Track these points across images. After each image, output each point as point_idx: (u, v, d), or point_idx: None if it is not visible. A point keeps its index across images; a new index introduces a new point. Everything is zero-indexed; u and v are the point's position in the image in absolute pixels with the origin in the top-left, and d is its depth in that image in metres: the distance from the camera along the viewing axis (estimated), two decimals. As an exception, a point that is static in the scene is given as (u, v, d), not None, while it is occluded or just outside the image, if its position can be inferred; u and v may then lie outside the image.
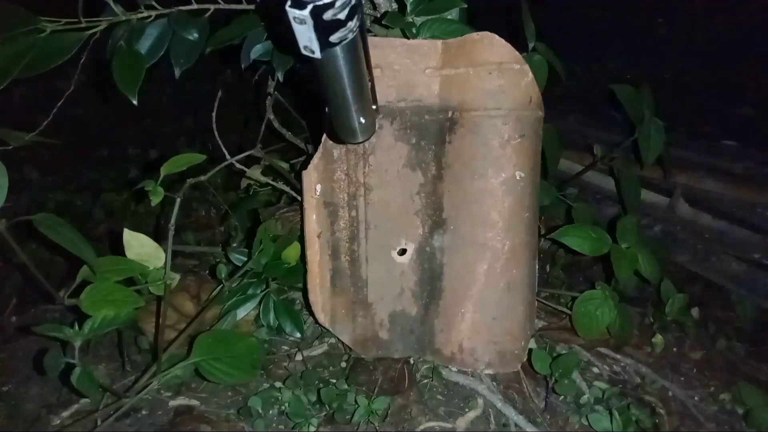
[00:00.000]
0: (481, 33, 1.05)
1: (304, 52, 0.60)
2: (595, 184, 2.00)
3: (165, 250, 1.08)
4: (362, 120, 0.81)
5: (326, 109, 0.86)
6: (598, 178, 1.97)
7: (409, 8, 1.11)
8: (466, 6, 1.13)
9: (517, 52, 1.06)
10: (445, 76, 1.08)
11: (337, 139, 1.07)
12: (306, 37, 0.57)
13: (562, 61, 1.35)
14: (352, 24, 0.58)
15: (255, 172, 1.56)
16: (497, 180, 1.09)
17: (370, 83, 0.78)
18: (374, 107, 0.85)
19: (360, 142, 0.96)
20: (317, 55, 0.60)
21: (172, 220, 1.06)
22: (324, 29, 0.57)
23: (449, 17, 1.13)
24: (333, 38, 0.58)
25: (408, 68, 1.07)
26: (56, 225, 0.89)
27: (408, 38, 1.10)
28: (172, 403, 1.15)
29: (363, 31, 0.66)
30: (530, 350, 1.18)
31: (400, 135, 1.11)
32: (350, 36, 0.59)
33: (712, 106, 2.77)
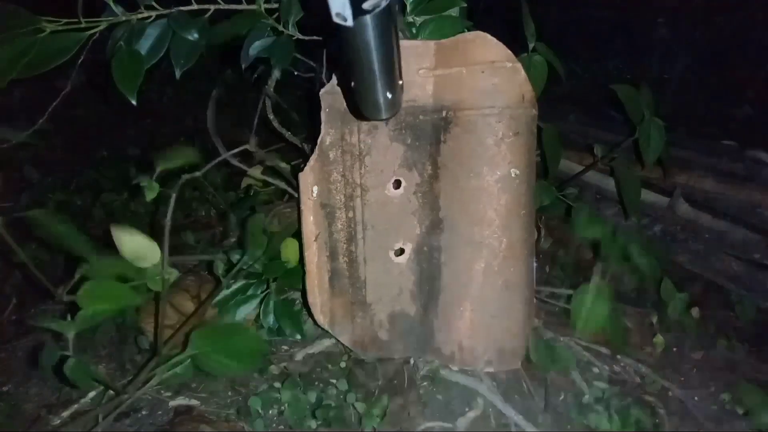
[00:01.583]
0: (473, 32, 1.06)
1: (335, 19, 0.61)
2: (595, 184, 2.00)
3: (162, 247, 1.08)
4: (388, 95, 0.81)
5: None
6: (598, 178, 1.97)
7: (409, 8, 1.11)
8: (465, 5, 1.13)
9: (509, 51, 1.06)
10: (439, 76, 1.08)
11: (361, 116, 1.06)
12: (339, 3, 0.58)
13: (562, 61, 1.35)
14: None
15: (255, 172, 1.56)
16: (493, 178, 1.09)
17: (397, 59, 0.78)
18: (400, 83, 0.84)
19: (384, 119, 0.95)
20: (349, 22, 0.60)
21: (168, 215, 1.06)
22: None
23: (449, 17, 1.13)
24: (366, 5, 0.59)
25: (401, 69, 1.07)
26: (50, 221, 0.89)
27: (407, 38, 1.10)
28: (172, 403, 1.15)
29: (394, 3, 0.67)
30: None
31: (396, 135, 1.11)
32: (383, 3, 0.60)
33: (712, 106, 2.77)
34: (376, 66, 0.72)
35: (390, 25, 0.67)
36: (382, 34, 0.66)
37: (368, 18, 0.61)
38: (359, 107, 0.86)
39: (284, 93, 1.55)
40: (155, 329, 1.24)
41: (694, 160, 2.08)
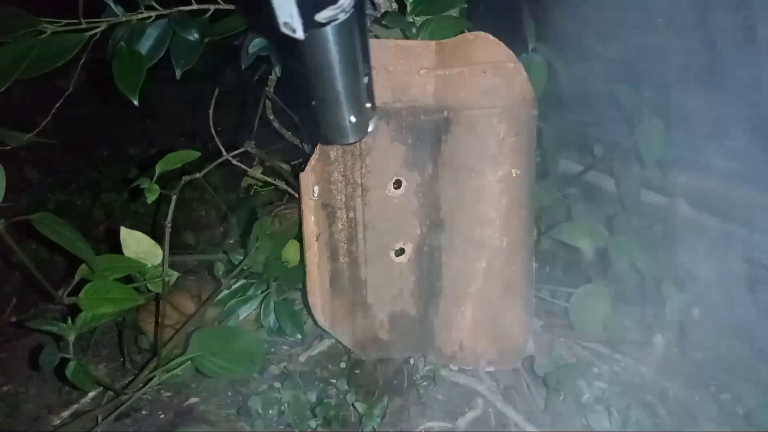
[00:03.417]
0: (474, 33, 1.06)
1: (283, 29, 0.50)
2: (595, 184, 2.00)
3: (162, 249, 1.08)
4: (352, 119, 0.69)
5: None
6: (598, 178, 1.97)
7: (409, 8, 1.11)
8: (466, 6, 1.13)
9: (510, 51, 1.06)
10: (440, 76, 1.08)
11: (324, 140, 1.00)
12: (286, 12, 0.48)
13: (562, 61, 1.35)
14: (346, 3, 0.49)
15: (255, 172, 1.56)
16: (494, 178, 1.10)
17: (367, 77, 0.67)
18: (369, 105, 0.73)
19: (350, 143, 0.84)
20: (299, 35, 0.50)
21: (169, 218, 1.06)
22: (309, 4, 0.48)
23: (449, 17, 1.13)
24: (320, 17, 0.49)
25: (402, 69, 1.07)
26: (55, 224, 0.90)
27: (408, 38, 1.10)
28: (172, 402, 1.15)
29: (362, 15, 0.56)
30: (533, 357, 1.19)
31: (396, 136, 1.11)
32: (342, 17, 0.50)
33: (711, 106, 2.76)
34: (338, 85, 0.60)
35: (354, 39, 0.55)
36: (342, 50, 0.54)
37: (327, 30, 0.51)
38: (322, 130, 0.72)
39: (284, 93, 1.55)
40: (155, 329, 1.24)
41: (694, 160, 2.08)
